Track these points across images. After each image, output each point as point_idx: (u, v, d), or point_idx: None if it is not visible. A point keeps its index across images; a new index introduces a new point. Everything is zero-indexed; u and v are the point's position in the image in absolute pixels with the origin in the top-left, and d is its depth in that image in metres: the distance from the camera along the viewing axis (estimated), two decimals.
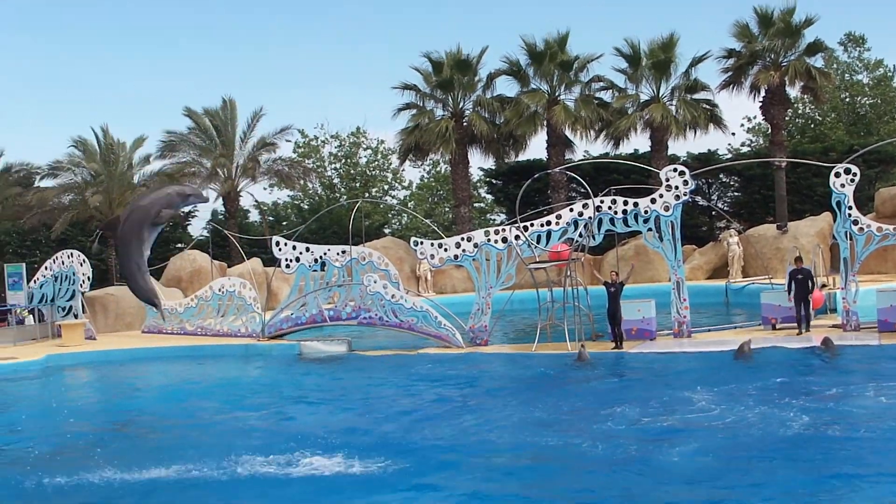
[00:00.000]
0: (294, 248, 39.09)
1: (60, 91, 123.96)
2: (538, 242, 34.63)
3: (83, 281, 44.04)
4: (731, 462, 17.05)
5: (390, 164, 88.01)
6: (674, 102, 59.42)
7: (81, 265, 44.10)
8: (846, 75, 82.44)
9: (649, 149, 60.83)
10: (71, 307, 44.48)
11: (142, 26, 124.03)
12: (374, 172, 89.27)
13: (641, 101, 60.05)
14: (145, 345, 39.93)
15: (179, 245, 69.79)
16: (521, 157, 66.90)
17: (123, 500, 16.65)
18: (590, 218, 33.70)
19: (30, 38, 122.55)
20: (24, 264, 48.25)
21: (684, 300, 33.08)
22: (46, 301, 45.52)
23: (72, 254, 44.86)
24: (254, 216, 75.54)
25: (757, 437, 18.64)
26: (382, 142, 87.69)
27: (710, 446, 18.23)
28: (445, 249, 36.04)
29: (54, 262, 45.36)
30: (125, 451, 20.27)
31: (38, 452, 20.44)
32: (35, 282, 46.13)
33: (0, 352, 39.16)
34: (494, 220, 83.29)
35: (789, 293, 32.53)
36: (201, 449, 19.75)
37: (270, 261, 45.47)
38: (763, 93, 58.31)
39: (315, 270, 39.14)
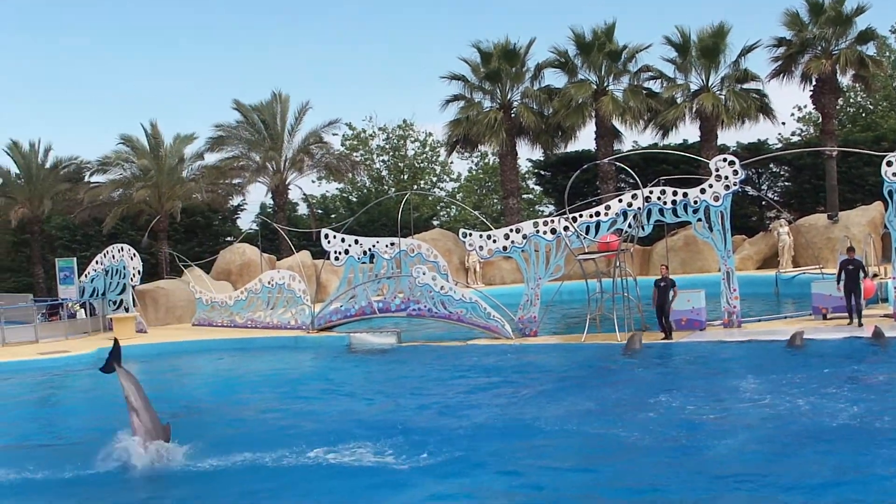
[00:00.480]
0: (343, 240, 39.18)
1: (109, 87, 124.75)
2: (587, 233, 34.58)
3: (133, 275, 44.24)
4: (781, 452, 17.00)
5: (438, 156, 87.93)
6: (723, 92, 59.01)
7: (132, 259, 44.31)
8: None
9: (698, 139, 60.42)
10: (122, 301, 44.72)
11: (189, 23, 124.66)
12: (422, 164, 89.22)
13: (690, 90, 59.70)
14: (196, 337, 40.13)
15: (229, 238, 70.02)
16: (570, 148, 66.59)
17: (180, 489, 16.75)
18: (639, 208, 33.59)
19: (78, 37, 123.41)
20: (75, 259, 48.55)
21: (734, 290, 32.94)
22: (97, 295, 45.82)
23: (122, 248, 45.10)
24: (303, 209, 75.68)
25: (806, 426, 18.58)
26: (430, 134, 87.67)
27: (759, 436, 18.19)
28: (494, 241, 36.05)
29: (105, 256, 45.62)
30: (180, 441, 20.36)
31: (90, 445, 20.52)
32: (86, 276, 46.44)
33: (52, 346, 39.50)
34: (543, 211, 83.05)
35: (839, 283, 32.27)
36: (255, 439, 19.89)
37: (319, 253, 45.57)
38: (814, 82, 57.78)
39: (364, 262, 39.23)
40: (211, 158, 62.89)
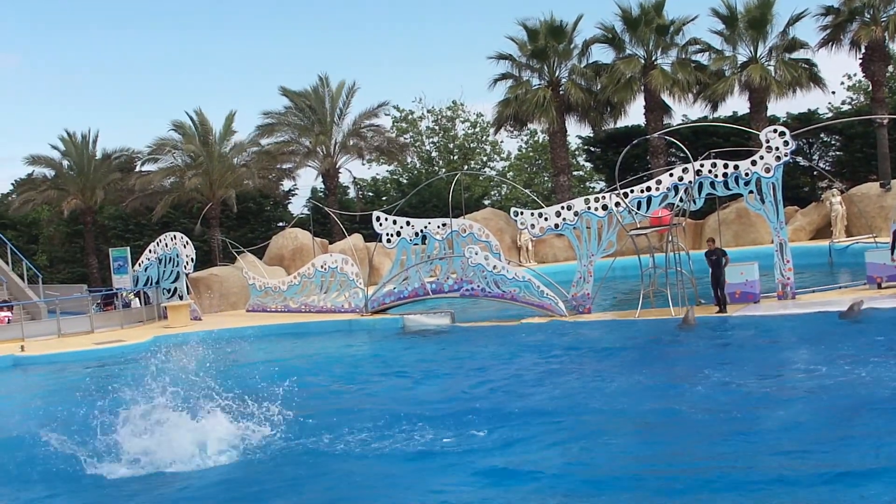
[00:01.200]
0: (395, 222, 39.26)
1: (156, 76, 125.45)
2: (638, 208, 34.48)
3: (187, 262, 44.54)
4: (836, 422, 16.92)
5: (488, 135, 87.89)
6: (772, 62, 58.73)
7: (185, 247, 44.60)
8: None
9: (748, 110, 60.24)
10: (176, 289, 45.03)
11: (233, 9, 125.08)
12: (472, 145, 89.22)
13: (739, 62, 59.40)
14: (250, 323, 40.31)
15: (281, 223, 70.45)
16: (619, 124, 66.61)
17: (237, 468, 16.89)
18: (690, 182, 33.47)
19: (124, 27, 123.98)
20: (128, 248, 48.98)
21: (788, 262, 32.78)
22: (151, 284, 46.16)
23: (175, 236, 45.41)
24: (353, 192, 75.91)
25: (863, 397, 18.47)
26: (481, 115, 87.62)
27: (814, 407, 18.13)
28: (546, 219, 36.02)
29: (158, 244, 45.93)
30: (233, 422, 20.52)
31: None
32: (140, 265, 46.79)
33: (108, 335, 39.85)
34: (594, 187, 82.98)
35: (893, 252, 32.03)
36: (314, 422, 19.98)
37: (371, 236, 45.69)
38: (863, 49, 57.38)
39: (416, 244, 39.29)
40: (261, 144, 63.17)
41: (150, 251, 46.44)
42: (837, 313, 28.48)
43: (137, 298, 46.91)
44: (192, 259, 44.78)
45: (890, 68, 68.34)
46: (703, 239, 51.85)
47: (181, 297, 44.40)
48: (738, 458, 15.45)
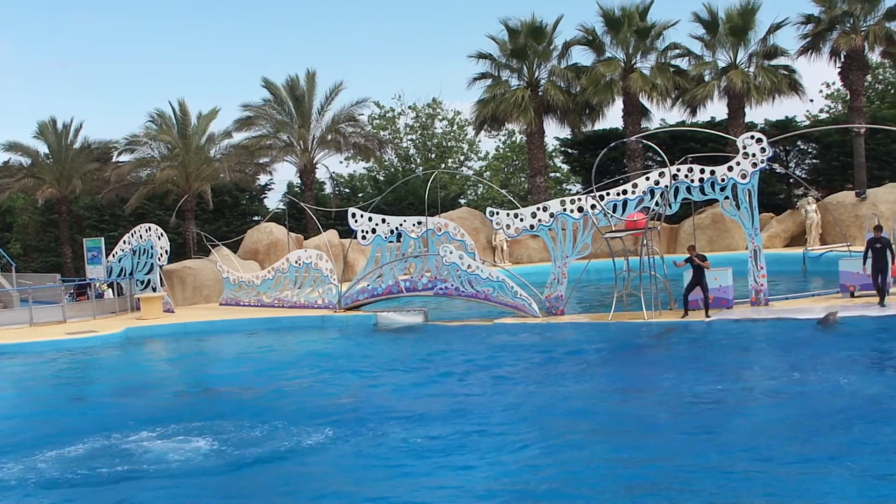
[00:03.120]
0: (370, 219, 39.19)
1: (137, 67, 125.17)
2: (614, 211, 34.53)
3: (161, 254, 44.40)
4: (805, 430, 16.97)
5: (466, 134, 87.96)
6: (752, 68, 58.90)
7: (159, 239, 44.45)
8: None
9: (726, 116, 60.36)
10: (149, 280, 44.87)
11: (216, 2, 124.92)
12: (449, 143, 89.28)
13: (719, 68, 59.53)
14: (223, 317, 40.23)
15: (256, 218, 70.31)
16: (597, 127, 66.58)
17: (203, 465, 16.83)
18: (666, 186, 33.53)
19: (107, 15, 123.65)
20: (102, 239, 48.74)
21: (762, 268, 32.87)
22: (125, 275, 45.98)
23: (150, 227, 45.24)
24: (330, 188, 75.86)
25: (831, 406, 18.54)
26: (459, 113, 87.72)
27: (783, 415, 18.22)
28: (521, 219, 36.04)
29: (132, 236, 45.77)
30: (199, 422, 20.49)
31: (120, 424, 20.67)
32: (114, 256, 46.60)
33: (80, 325, 39.70)
34: (570, 189, 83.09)
35: (864, 262, 32.11)
36: (281, 419, 19.97)
37: (346, 232, 45.62)
38: (842, 58, 57.65)
39: (391, 241, 39.23)
40: (238, 137, 63.15)
41: (124, 242, 46.26)
42: (815, 321, 28.57)
43: (111, 289, 46.73)
44: (166, 251, 44.64)
45: (868, 78, 68.74)
46: (678, 243, 52.19)
47: (154, 289, 44.25)
48: (703, 461, 15.49)
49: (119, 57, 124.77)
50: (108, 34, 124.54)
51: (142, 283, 45.15)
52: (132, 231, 46.20)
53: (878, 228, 32.10)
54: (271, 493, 15.40)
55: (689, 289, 32.23)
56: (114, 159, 65.13)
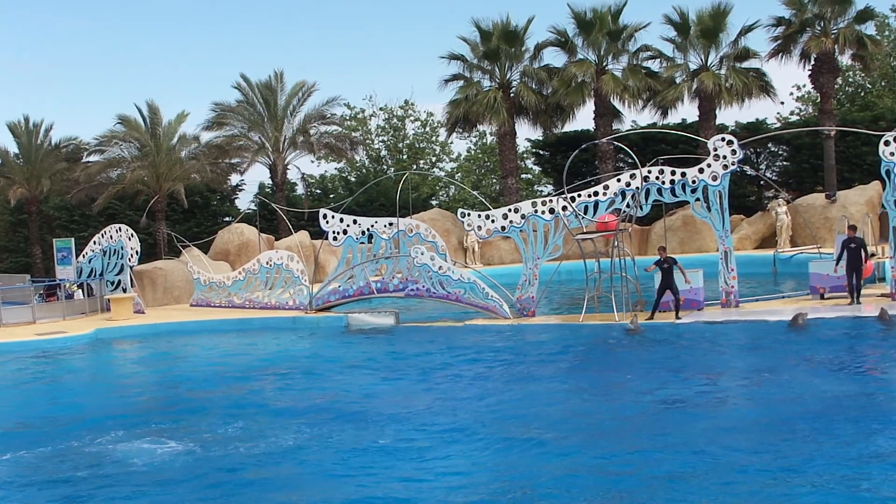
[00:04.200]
0: (341, 220, 39.12)
1: (109, 67, 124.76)
2: (585, 213, 34.56)
3: (131, 255, 44.20)
4: (774, 430, 17.06)
5: (437, 136, 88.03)
6: (723, 71, 59.06)
7: (129, 239, 44.25)
8: None
9: (697, 118, 60.50)
10: (119, 281, 44.67)
11: (189, 3, 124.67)
12: (421, 145, 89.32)
13: (690, 70, 59.67)
14: (194, 318, 40.10)
15: (227, 218, 70.11)
16: (569, 128, 66.68)
17: (170, 468, 16.77)
18: (637, 188, 33.59)
19: (79, 16, 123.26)
20: (73, 239, 48.54)
21: (732, 270, 32.96)
22: (95, 275, 45.76)
23: (120, 228, 45.03)
24: (301, 189, 75.75)
25: (799, 406, 18.63)
26: (431, 114, 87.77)
27: (747, 418, 18.32)
28: (492, 221, 36.03)
29: (102, 236, 45.55)
30: (169, 423, 20.46)
31: (86, 424, 20.61)
32: (84, 256, 46.37)
33: (50, 326, 39.51)
34: (542, 191, 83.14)
35: (837, 263, 32.24)
36: (252, 420, 19.97)
37: (318, 233, 45.56)
38: (812, 61, 57.89)
39: (362, 243, 39.18)
40: (209, 137, 62.94)
41: (94, 243, 46.03)
42: (786, 323, 28.68)
43: (81, 290, 46.51)
44: (136, 252, 44.43)
45: (839, 80, 68.99)
46: (649, 245, 52.30)
47: (125, 290, 44.06)
48: (671, 461, 15.54)
49: (90, 58, 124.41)
50: (79, 35, 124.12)
51: (112, 283, 44.93)
52: (102, 231, 45.97)
53: (853, 228, 32.29)
54: (243, 495, 15.35)
55: (660, 291, 32.28)
56: (84, 159, 64.84)
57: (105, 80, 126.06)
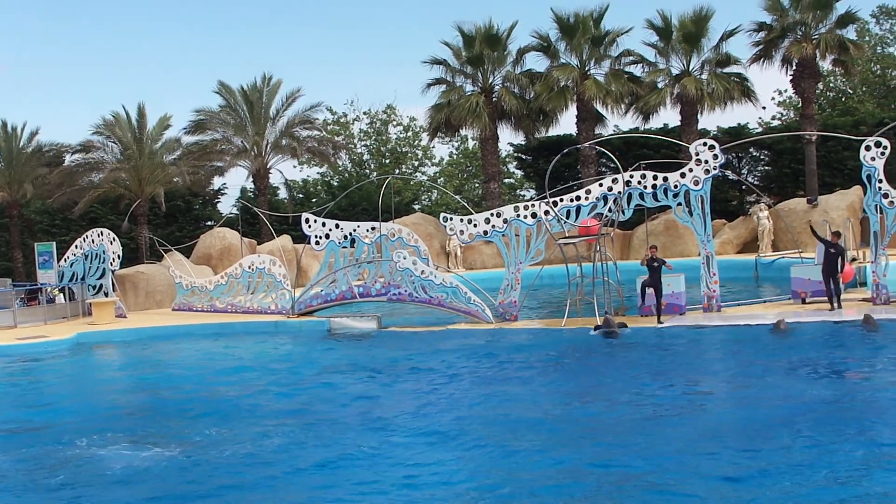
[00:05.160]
0: (324, 224, 39.07)
1: (92, 71, 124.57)
2: (567, 218, 34.60)
3: (113, 259, 44.11)
4: (750, 435, 17.11)
5: (420, 140, 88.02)
6: (705, 76, 59.19)
7: (111, 243, 44.15)
8: (878, 48, 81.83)
9: (679, 123, 60.62)
10: (101, 285, 44.55)
11: (172, 6, 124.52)
12: (404, 149, 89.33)
13: (672, 75, 59.74)
14: (175, 322, 40.03)
15: (209, 222, 69.96)
16: (551, 133, 66.67)
17: (152, 473, 16.74)
18: (619, 193, 33.64)
19: (64, 20, 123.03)
20: (54, 243, 48.39)
21: (714, 274, 33.06)
22: (77, 279, 45.63)
23: (102, 232, 44.92)
24: (284, 193, 75.59)
25: (779, 411, 18.68)
26: (414, 119, 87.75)
27: (725, 423, 18.38)
28: (475, 225, 36.05)
29: (84, 240, 45.45)
30: (151, 427, 20.45)
31: (67, 429, 20.59)
32: (65, 260, 46.25)
33: (31, 330, 39.42)
34: (524, 195, 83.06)
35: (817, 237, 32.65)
36: (234, 424, 19.96)
37: (300, 238, 45.50)
38: (794, 66, 58.03)
39: (345, 247, 39.13)
40: (192, 141, 62.69)
41: (76, 247, 45.92)
42: (767, 328, 28.77)
43: (62, 294, 46.37)
44: (118, 256, 44.33)
45: (820, 86, 69.19)
46: (632, 249, 52.39)
47: (106, 294, 43.96)
48: (649, 465, 15.58)
49: (72, 61, 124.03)
50: (59, 39, 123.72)
51: (94, 288, 44.82)
52: (84, 236, 45.86)
53: (836, 234, 32.42)
54: (223, 499, 15.34)
55: (642, 288, 32.39)
56: (66, 162, 64.58)
57: (86, 83, 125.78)
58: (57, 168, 62.42)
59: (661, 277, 32.09)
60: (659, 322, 31.61)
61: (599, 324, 30.62)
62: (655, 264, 32.10)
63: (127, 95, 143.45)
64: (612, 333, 29.87)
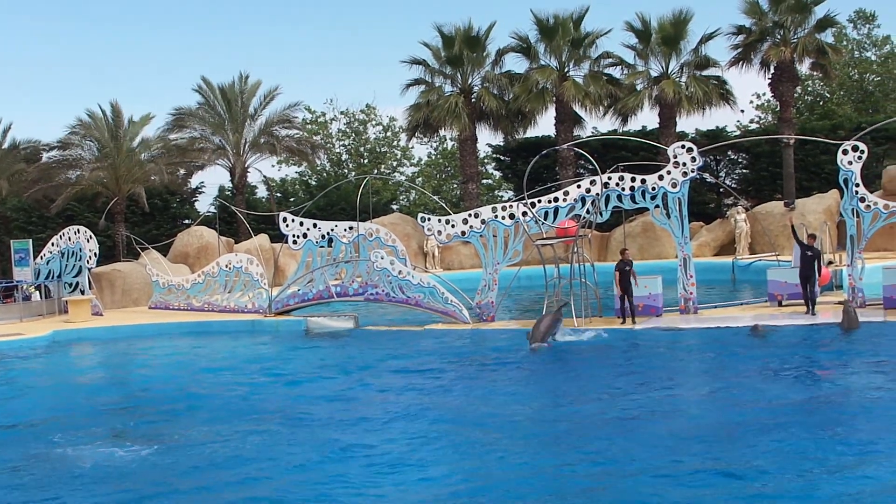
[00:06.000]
0: (301, 223, 39.02)
1: (71, 68, 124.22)
2: (545, 219, 34.63)
3: (90, 257, 44.03)
4: (723, 435, 17.15)
5: (399, 140, 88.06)
6: (683, 79, 59.33)
7: (88, 241, 44.08)
8: (855, 52, 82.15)
9: (657, 125, 60.77)
10: (78, 283, 44.48)
11: (153, 3, 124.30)
12: (383, 149, 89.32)
13: (651, 77, 59.86)
14: (152, 321, 39.95)
15: (187, 221, 69.83)
16: (530, 134, 66.91)
17: (127, 471, 16.68)
18: (597, 194, 33.67)
19: (42, 17, 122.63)
20: (30, 241, 48.27)
21: (691, 277, 33.13)
22: (53, 277, 45.54)
23: (78, 230, 44.85)
24: (261, 192, 75.53)
25: (751, 413, 18.70)
26: (394, 119, 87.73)
27: (705, 422, 18.41)
28: (453, 226, 36.04)
29: (61, 238, 45.37)
30: (127, 426, 20.39)
31: (42, 427, 20.52)
32: (42, 258, 46.14)
33: (7, 328, 39.24)
34: (502, 196, 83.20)
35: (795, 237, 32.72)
36: (210, 423, 19.91)
37: (278, 237, 45.48)
38: (772, 69, 58.28)
39: (322, 246, 39.09)
40: (170, 140, 62.45)
41: (52, 244, 45.83)
42: (743, 330, 28.85)
43: (38, 292, 46.26)
44: (95, 254, 44.29)
45: (798, 89, 69.43)
46: (609, 251, 52.47)
47: (83, 292, 43.87)
48: (620, 468, 15.59)
49: (51, 59, 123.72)
50: (37, 36, 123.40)
51: (70, 285, 44.75)
52: (60, 233, 45.79)
53: (812, 237, 32.46)
54: (199, 497, 15.29)
55: (622, 294, 32.47)
56: (43, 159, 64.37)
57: (65, 81, 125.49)
58: (34, 164, 62.22)
59: (630, 281, 32.13)
60: (623, 323, 31.72)
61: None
62: (628, 268, 32.15)
63: (106, 93, 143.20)
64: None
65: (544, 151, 43.76)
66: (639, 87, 59.88)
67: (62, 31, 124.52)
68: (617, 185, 33.69)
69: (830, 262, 38.73)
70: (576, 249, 34.13)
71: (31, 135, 79.67)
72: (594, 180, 34.22)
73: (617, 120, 62.17)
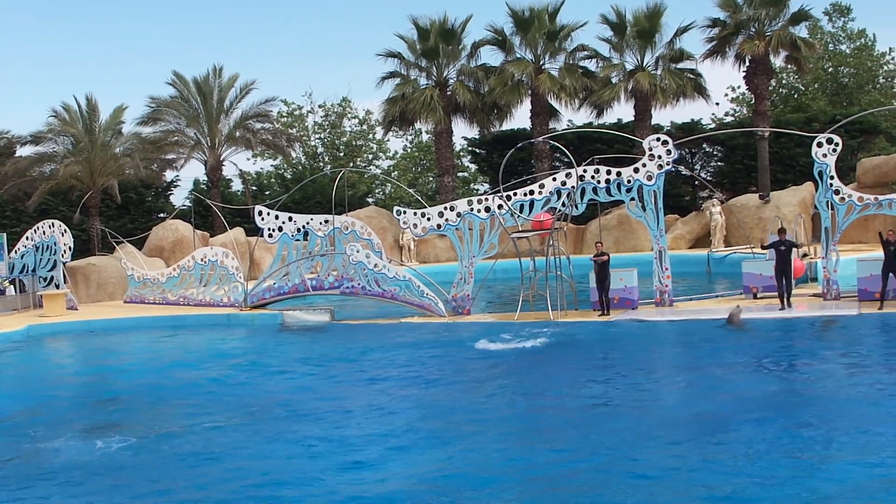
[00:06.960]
0: (277, 217, 38.96)
1: (44, 60, 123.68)
2: (521, 212, 34.64)
3: (64, 251, 43.85)
4: (700, 426, 17.20)
5: (375, 133, 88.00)
6: (658, 72, 59.40)
7: (63, 235, 43.90)
8: (830, 45, 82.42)
9: (633, 118, 60.86)
10: (52, 277, 44.30)
11: None
12: (358, 142, 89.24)
13: (626, 70, 59.93)
14: (127, 315, 39.86)
15: (162, 214, 69.62)
16: (506, 127, 66.86)
17: (103, 464, 16.64)
18: (572, 187, 33.70)
19: (16, 9, 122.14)
20: (4, 235, 48.02)
21: (666, 269, 33.19)
22: (28, 271, 45.35)
23: (53, 224, 44.66)
24: (237, 185, 75.42)
25: (725, 404, 18.75)
26: (370, 112, 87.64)
27: (678, 415, 18.50)
28: (428, 219, 36.03)
29: (35, 232, 45.16)
30: (103, 419, 20.34)
31: (18, 421, 20.48)
32: (16, 252, 45.92)
33: None
34: (478, 189, 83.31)
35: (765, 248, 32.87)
36: (186, 417, 19.89)
37: (253, 230, 45.41)
38: (747, 63, 58.41)
39: (298, 240, 39.03)
40: (144, 133, 62.31)
41: (27, 238, 45.61)
42: (719, 321, 28.96)
43: (12, 286, 46.08)
44: (69, 248, 44.09)
45: (772, 82, 69.62)
46: (585, 244, 52.53)
47: (58, 286, 43.71)
48: (597, 457, 15.63)
49: (23, 52, 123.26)
50: (13, 28, 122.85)
51: (45, 279, 44.58)
52: (35, 227, 45.56)
53: (782, 231, 32.48)
54: (177, 492, 15.26)
55: (599, 287, 32.54)
56: (17, 153, 64.09)
57: (40, 74, 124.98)
58: (8, 158, 61.90)
59: (607, 273, 32.24)
60: (600, 315, 31.83)
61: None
62: (606, 258, 32.26)
63: (77, 88, 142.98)
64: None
65: (520, 144, 43.74)
66: (614, 80, 59.92)
67: (36, 23, 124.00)
68: (592, 177, 33.72)
69: (805, 255, 38.84)
70: (551, 242, 34.17)
71: (4, 126, 79.33)
72: (570, 173, 34.24)
73: (592, 113, 62.23)
